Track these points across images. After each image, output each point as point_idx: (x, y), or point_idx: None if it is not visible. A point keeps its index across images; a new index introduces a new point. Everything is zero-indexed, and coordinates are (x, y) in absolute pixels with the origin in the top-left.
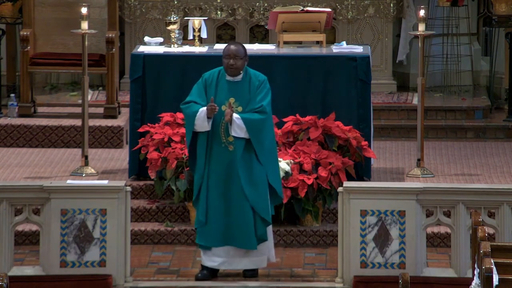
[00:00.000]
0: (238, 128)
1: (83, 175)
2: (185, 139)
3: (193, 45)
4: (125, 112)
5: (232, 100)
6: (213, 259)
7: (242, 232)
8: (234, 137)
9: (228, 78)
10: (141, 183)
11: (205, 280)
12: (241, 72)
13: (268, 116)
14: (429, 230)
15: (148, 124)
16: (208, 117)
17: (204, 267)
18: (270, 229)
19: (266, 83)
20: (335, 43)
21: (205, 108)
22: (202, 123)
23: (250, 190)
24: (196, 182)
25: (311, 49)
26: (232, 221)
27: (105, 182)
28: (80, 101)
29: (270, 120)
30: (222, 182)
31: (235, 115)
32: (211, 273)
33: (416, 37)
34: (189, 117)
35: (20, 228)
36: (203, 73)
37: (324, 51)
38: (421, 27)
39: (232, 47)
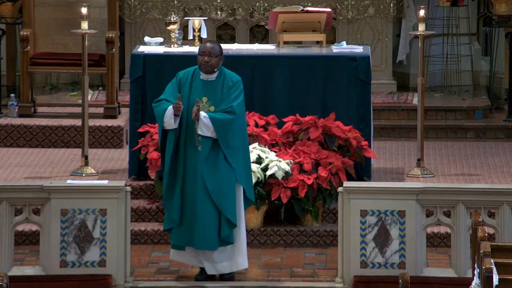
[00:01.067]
0: (205, 127)
1: (83, 175)
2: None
3: (193, 45)
4: (125, 112)
5: (205, 99)
6: (200, 260)
7: (202, 232)
8: (201, 136)
9: (203, 77)
10: (141, 183)
11: (205, 281)
12: (216, 70)
13: (238, 117)
14: (429, 230)
15: (148, 124)
16: (176, 115)
17: (202, 268)
18: (243, 233)
19: (239, 84)
20: (335, 43)
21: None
22: (169, 120)
23: (215, 190)
24: (165, 181)
25: (311, 49)
26: (197, 221)
27: (105, 182)
28: (80, 101)
29: (240, 121)
30: (195, 181)
31: (203, 114)
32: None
33: (416, 37)
34: (158, 115)
35: (20, 228)
36: None
37: (324, 51)
38: (421, 27)
39: (208, 44)
